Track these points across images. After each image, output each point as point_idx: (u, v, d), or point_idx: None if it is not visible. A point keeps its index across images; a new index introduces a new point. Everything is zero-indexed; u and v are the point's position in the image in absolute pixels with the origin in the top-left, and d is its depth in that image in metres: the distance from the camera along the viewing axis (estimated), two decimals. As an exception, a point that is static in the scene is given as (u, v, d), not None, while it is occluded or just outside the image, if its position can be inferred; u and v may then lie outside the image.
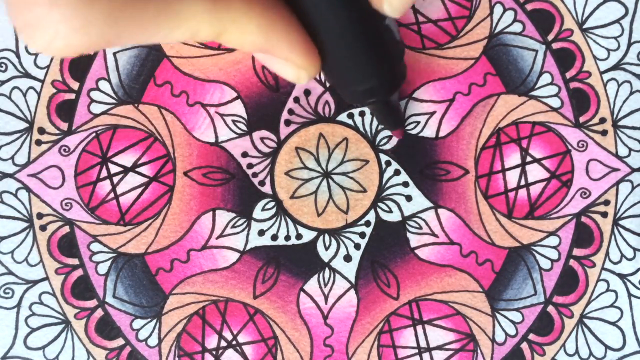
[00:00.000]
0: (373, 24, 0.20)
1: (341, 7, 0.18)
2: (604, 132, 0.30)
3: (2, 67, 0.29)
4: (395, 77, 0.24)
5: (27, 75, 0.30)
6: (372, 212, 0.30)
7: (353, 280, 0.30)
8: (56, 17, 0.14)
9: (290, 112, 0.30)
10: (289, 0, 0.18)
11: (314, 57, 0.19)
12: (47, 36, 0.14)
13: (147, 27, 0.15)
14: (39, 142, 0.30)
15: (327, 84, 0.30)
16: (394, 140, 0.30)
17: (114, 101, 0.30)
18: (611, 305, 0.30)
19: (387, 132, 0.30)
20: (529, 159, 0.30)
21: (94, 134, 0.30)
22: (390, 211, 0.30)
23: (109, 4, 0.14)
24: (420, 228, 0.30)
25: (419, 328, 0.30)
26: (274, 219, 0.30)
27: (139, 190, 0.30)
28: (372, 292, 0.30)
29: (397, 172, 0.30)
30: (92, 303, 0.30)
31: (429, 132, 0.30)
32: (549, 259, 0.30)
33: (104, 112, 0.30)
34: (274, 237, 0.30)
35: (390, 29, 0.21)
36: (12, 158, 0.30)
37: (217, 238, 0.30)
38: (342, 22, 0.19)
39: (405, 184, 0.30)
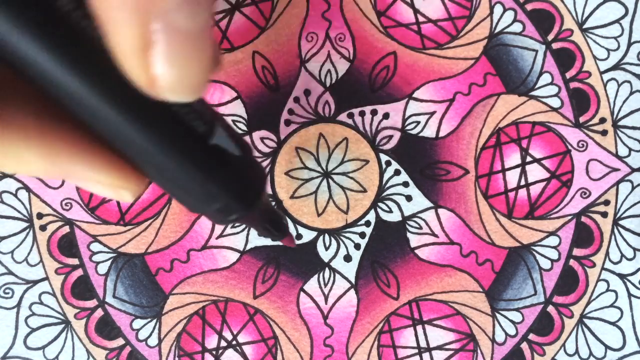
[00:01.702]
0: (190, 148, 0.17)
1: (144, 137, 0.15)
2: (604, 132, 0.30)
3: (2, 67, 0.29)
4: (248, 187, 0.20)
5: (27, 75, 0.30)
6: (372, 212, 0.30)
7: (353, 280, 0.30)
8: None
9: (290, 112, 0.30)
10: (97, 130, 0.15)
11: (131, 174, 0.16)
12: None
13: None
14: (39, 142, 0.30)
15: (327, 84, 0.30)
16: (394, 140, 0.30)
17: (114, 101, 0.30)
18: (611, 305, 0.30)
19: (387, 132, 0.30)
20: (529, 159, 0.30)
21: (94, 134, 0.30)
22: (390, 211, 0.30)
23: None
24: (420, 228, 0.30)
25: (419, 328, 0.30)
26: (274, 219, 0.30)
27: (139, 190, 0.30)
28: (372, 292, 0.30)
29: (397, 172, 0.30)
30: (92, 303, 0.30)
31: (429, 132, 0.30)
32: (549, 259, 0.30)
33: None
34: (274, 237, 0.30)
35: (217, 147, 0.18)
36: (12, 158, 0.30)
37: (217, 238, 0.30)
38: (153, 154, 0.16)
39: (406, 184, 0.30)
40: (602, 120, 0.30)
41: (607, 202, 0.30)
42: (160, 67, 0.12)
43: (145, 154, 0.16)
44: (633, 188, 0.30)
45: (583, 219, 0.30)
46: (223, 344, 0.30)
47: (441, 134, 0.30)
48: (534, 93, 0.30)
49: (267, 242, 0.30)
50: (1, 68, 0.14)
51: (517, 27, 0.30)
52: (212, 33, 0.14)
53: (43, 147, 0.15)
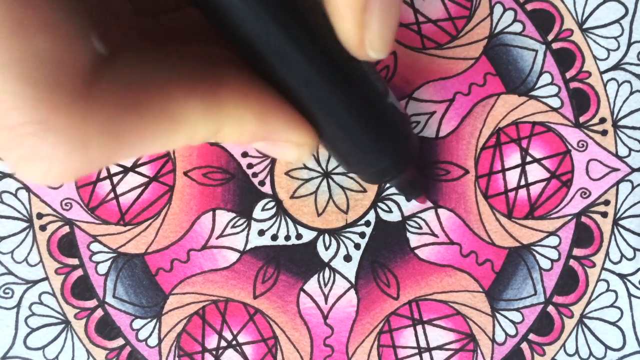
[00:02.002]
0: (375, 107, 0.19)
1: (339, 95, 0.17)
2: (604, 132, 0.30)
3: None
4: (407, 154, 0.23)
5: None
6: (372, 212, 0.30)
7: (353, 280, 0.30)
8: (51, 142, 0.12)
9: (290, 112, 0.30)
10: (284, 88, 0.17)
11: (310, 130, 0.18)
12: (43, 166, 0.13)
13: (147, 136, 0.14)
14: (39, 142, 0.30)
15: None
16: (394, 140, 0.30)
17: (114, 101, 0.30)
18: (611, 305, 0.30)
19: (387, 132, 0.30)
20: (529, 159, 0.30)
21: (94, 134, 0.30)
22: (390, 211, 0.30)
23: (105, 115, 0.13)
24: (420, 228, 0.30)
25: (419, 328, 0.30)
26: (274, 219, 0.30)
27: (139, 190, 0.30)
28: (372, 292, 0.30)
29: (397, 172, 0.30)
30: (92, 303, 0.30)
31: (429, 132, 0.30)
32: (549, 259, 0.30)
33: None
34: (274, 237, 0.30)
35: (393, 106, 0.20)
36: (12, 158, 0.30)
37: (217, 238, 0.30)
38: (344, 111, 0.18)
39: (405, 184, 0.30)
40: (602, 120, 0.30)
41: (607, 202, 0.30)
42: (376, 28, 0.14)
43: (335, 109, 0.17)
44: (633, 188, 0.30)
45: (583, 219, 0.30)
46: (223, 344, 0.30)
47: (441, 134, 0.30)
48: (534, 93, 0.30)
49: (267, 242, 0.30)
50: (214, 40, 0.16)
51: (517, 27, 0.30)
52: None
53: (258, 108, 0.16)
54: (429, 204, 0.30)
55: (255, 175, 0.30)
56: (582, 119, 0.30)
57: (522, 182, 0.30)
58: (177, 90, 0.14)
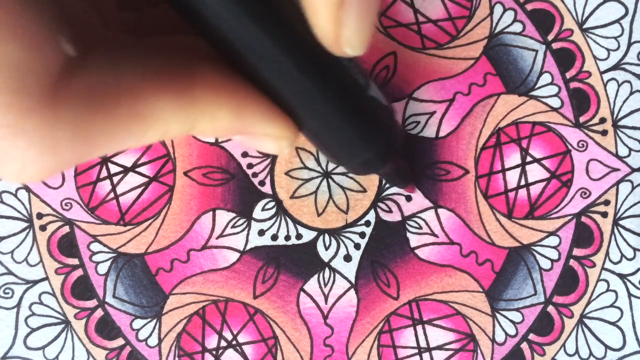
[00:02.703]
0: (354, 98, 0.19)
1: (317, 88, 0.17)
2: (604, 132, 0.30)
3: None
4: (391, 145, 0.22)
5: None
6: (372, 212, 0.30)
7: (353, 280, 0.30)
8: (21, 145, 0.13)
9: (290, 112, 0.30)
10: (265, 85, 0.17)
11: (289, 123, 0.17)
12: (16, 166, 0.13)
13: (118, 135, 0.14)
14: (39, 142, 0.30)
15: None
16: (394, 140, 0.30)
17: (114, 101, 0.30)
18: (611, 305, 0.30)
19: (387, 132, 0.30)
20: (529, 159, 0.30)
21: (94, 134, 0.30)
22: (390, 211, 0.30)
23: (75, 116, 0.13)
24: (420, 228, 0.30)
25: (419, 328, 0.30)
26: (274, 219, 0.30)
27: (139, 190, 0.30)
28: (372, 292, 0.30)
29: (397, 172, 0.30)
30: (92, 303, 0.30)
31: (429, 132, 0.30)
32: (549, 259, 0.30)
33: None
34: (274, 237, 0.30)
35: (374, 98, 0.20)
36: (12, 158, 0.30)
37: (217, 238, 0.30)
38: (322, 103, 0.17)
39: (405, 184, 0.30)
40: (602, 120, 0.30)
41: (607, 202, 0.30)
42: (353, 25, 0.14)
43: (314, 104, 0.17)
44: (633, 188, 0.30)
45: (583, 219, 0.30)
46: (223, 344, 0.30)
47: (441, 134, 0.30)
48: (534, 93, 0.30)
49: (267, 242, 0.30)
50: (187, 33, 0.16)
51: (517, 27, 0.30)
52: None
53: (232, 102, 0.16)
54: (418, 193, 0.29)
55: (255, 175, 0.30)
56: (582, 119, 0.30)
57: (522, 182, 0.30)
58: (149, 87, 0.14)
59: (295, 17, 0.14)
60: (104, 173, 0.30)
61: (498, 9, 0.30)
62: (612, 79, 0.30)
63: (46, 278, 0.30)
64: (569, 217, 0.30)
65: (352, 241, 0.30)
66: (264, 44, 0.14)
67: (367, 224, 0.30)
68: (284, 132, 0.17)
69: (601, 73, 0.30)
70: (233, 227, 0.30)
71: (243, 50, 0.15)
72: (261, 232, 0.30)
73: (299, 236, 0.30)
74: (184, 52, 0.16)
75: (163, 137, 0.15)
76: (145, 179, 0.30)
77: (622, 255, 0.30)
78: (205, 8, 0.13)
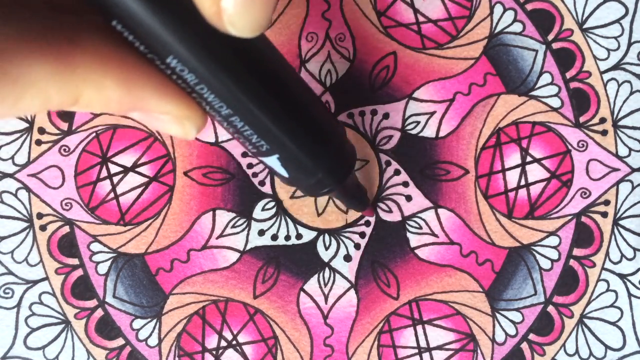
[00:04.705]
0: (295, 110, 0.17)
1: (262, 102, 0.16)
2: (604, 132, 0.30)
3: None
4: (344, 162, 0.21)
5: (27, 75, 0.30)
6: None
7: (353, 280, 0.30)
8: None
9: (290, 112, 0.30)
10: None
11: (193, 104, 0.16)
12: None
13: None
14: (39, 142, 0.30)
15: (327, 84, 0.30)
16: (394, 140, 0.30)
17: (114, 101, 0.30)
18: (611, 305, 0.30)
19: (387, 132, 0.30)
20: (529, 159, 0.30)
21: (94, 134, 0.30)
22: (390, 211, 0.30)
23: None
24: (420, 228, 0.30)
25: (419, 328, 0.30)
26: (274, 219, 0.30)
27: (139, 190, 0.30)
28: (372, 292, 0.30)
29: (397, 172, 0.30)
30: (92, 303, 0.30)
31: (429, 132, 0.30)
32: (549, 259, 0.30)
33: (104, 112, 0.30)
34: (274, 237, 0.30)
35: (321, 106, 0.19)
36: (12, 158, 0.30)
37: (217, 238, 0.30)
38: (247, 102, 0.16)
39: (405, 184, 0.30)
40: (602, 120, 0.30)
41: (607, 202, 0.30)
42: (234, 3, 0.13)
43: (235, 100, 0.16)
44: (633, 188, 0.30)
45: (583, 219, 0.30)
46: (223, 343, 0.30)
47: (441, 134, 0.30)
48: (534, 93, 0.30)
49: (267, 242, 0.30)
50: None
51: (517, 27, 0.30)
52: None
53: (120, 74, 0.15)
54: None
55: (255, 175, 0.30)
56: (582, 119, 0.30)
57: (522, 182, 0.30)
58: (23, 50, 0.14)
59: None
60: (104, 173, 0.30)
61: (498, 9, 0.30)
62: (612, 79, 0.30)
63: (46, 278, 0.30)
64: (569, 217, 0.30)
65: (352, 241, 0.30)
66: (150, 24, 0.13)
67: (367, 224, 0.30)
68: (184, 111, 0.16)
69: (601, 73, 0.30)
70: (233, 227, 0.30)
71: (130, 25, 0.14)
72: (261, 232, 0.30)
73: (299, 236, 0.30)
74: (71, 18, 0.15)
75: (44, 106, 0.14)
76: (145, 179, 0.30)
77: (622, 255, 0.30)
78: None
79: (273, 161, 0.19)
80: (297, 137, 0.18)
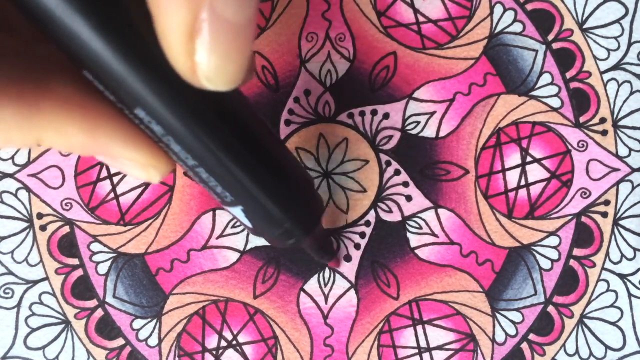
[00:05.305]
0: (261, 158, 0.17)
1: (204, 133, 0.15)
2: (604, 132, 0.30)
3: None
4: (310, 212, 0.21)
5: (27, 75, 0.30)
6: (372, 212, 0.30)
7: (353, 280, 0.30)
8: None
9: (290, 112, 0.30)
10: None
11: (158, 152, 0.16)
12: None
13: None
14: (39, 142, 0.30)
15: (327, 84, 0.30)
16: (394, 140, 0.30)
17: (114, 101, 0.30)
18: (611, 305, 0.30)
19: (387, 132, 0.30)
20: (529, 159, 0.30)
21: (94, 134, 0.30)
22: (390, 211, 0.30)
23: None
24: (420, 228, 0.30)
25: (419, 328, 0.30)
26: (274, 219, 0.30)
27: (139, 190, 0.30)
28: (372, 292, 0.30)
29: (397, 172, 0.30)
30: (92, 303, 0.30)
31: (429, 132, 0.30)
32: (549, 259, 0.30)
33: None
34: (274, 237, 0.30)
35: (289, 156, 0.19)
36: (12, 158, 0.30)
37: (217, 238, 0.30)
38: (211, 153, 0.16)
39: (405, 184, 0.30)
40: (602, 120, 0.30)
41: (607, 202, 0.30)
42: (204, 55, 0.12)
43: (202, 151, 0.16)
44: (633, 188, 0.30)
45: (583, 219, 0.30)
46: (223, 343, 0.30)
47: (441, 134, 0.30)
48: (534, 93, 0.30)
49: (267, 242, 0.30)
50: (46, 43, 0.15)
51: (517, 27, 0.30)
52: (255, 29, 0.14)
53: (84, 120, 0.15)
54: (344, 263, 0.29)
55: (255, 175, 0.30)
56: (582, 119, 0.30)
57: (522, 182, 0.30)
58: None
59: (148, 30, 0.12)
60: (104, 173, 0.30)
61: (498, 9, 0.30)
62: (612, 79, 0.30)
63: (46, 278, 0.30)
64: (569, 217, 0.30)
65: (352, 241, 0.30)
66: (113, 66, 0.13)
67: (367, 224, 0.30)
68: (150, 160, 0.16)
69: (601, 73, 0.30)
70: (233, 227, 0.30)
71: (95, 69, 0.13)
72: (261, 232, 0.30)
73: (299, 236, 0.30)
74: (40, 61, 0.15)
75: (5, 143, 0.15)
76: (145, 179, 0.30)
77: (622, 255, 0.30)
78: (42, 12, 0.12)
79: (237, 212, 0.19)
80: (263, 189, 0.18)
